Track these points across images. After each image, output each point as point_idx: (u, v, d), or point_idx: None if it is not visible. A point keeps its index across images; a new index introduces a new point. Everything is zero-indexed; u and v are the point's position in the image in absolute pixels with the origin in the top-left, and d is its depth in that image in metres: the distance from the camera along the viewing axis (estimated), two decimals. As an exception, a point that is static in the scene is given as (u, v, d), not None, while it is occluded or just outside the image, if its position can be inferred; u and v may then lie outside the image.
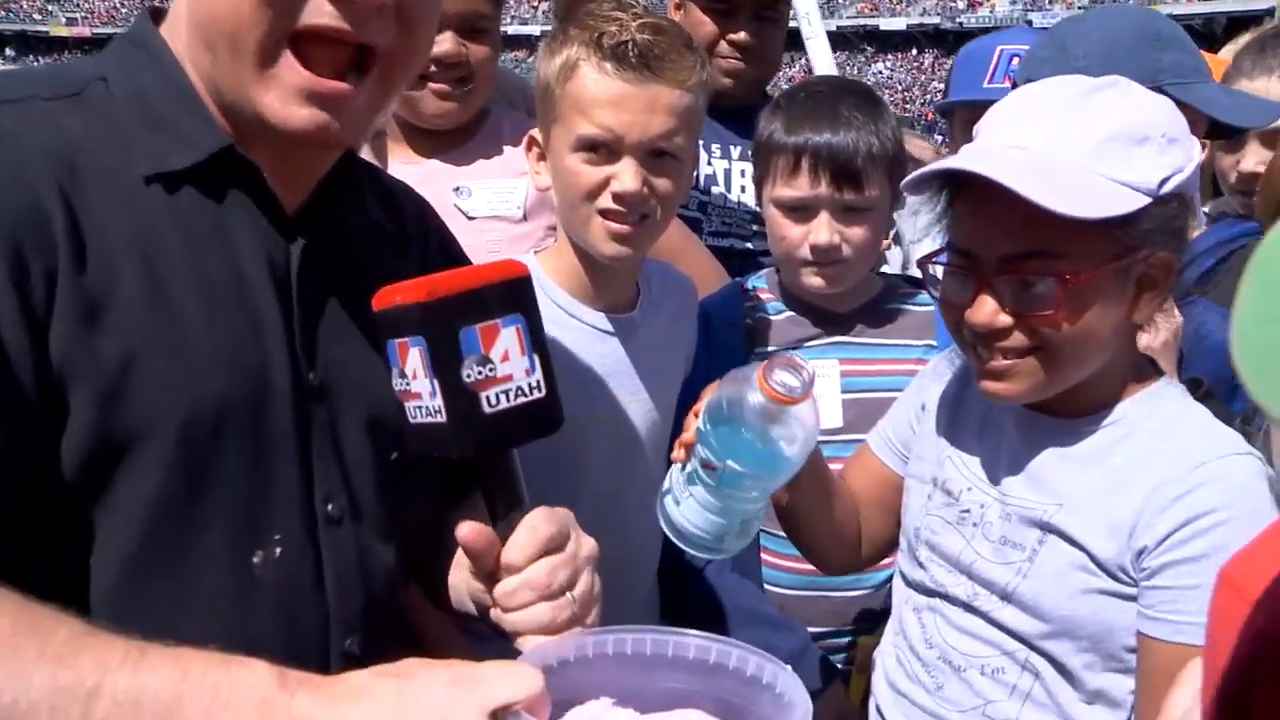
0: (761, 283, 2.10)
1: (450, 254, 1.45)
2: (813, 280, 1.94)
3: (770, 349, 2.01)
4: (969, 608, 1.48)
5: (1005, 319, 1.35)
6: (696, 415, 1.40)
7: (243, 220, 1.16)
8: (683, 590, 2.00)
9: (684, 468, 1.43)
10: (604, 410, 1.77)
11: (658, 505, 1.47)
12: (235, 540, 1.10)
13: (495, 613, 1.14)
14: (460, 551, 1.23)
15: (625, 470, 1.80)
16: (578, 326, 1.76)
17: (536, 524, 1.12)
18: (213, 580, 1.09)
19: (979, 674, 1.47)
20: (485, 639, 1.39)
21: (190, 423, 1.06)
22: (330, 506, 1.19)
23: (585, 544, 1.18)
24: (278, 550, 1.11)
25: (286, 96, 1.10)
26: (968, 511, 1.50)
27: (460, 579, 1.26)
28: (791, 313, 2.04)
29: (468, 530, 1.10)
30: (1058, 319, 1.33)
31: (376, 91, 1.16)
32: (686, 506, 1.41)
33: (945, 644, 1.51)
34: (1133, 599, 1.36)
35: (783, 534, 1.98)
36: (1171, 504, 1.33)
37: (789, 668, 1.06)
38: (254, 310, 1.14)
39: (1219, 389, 1.49)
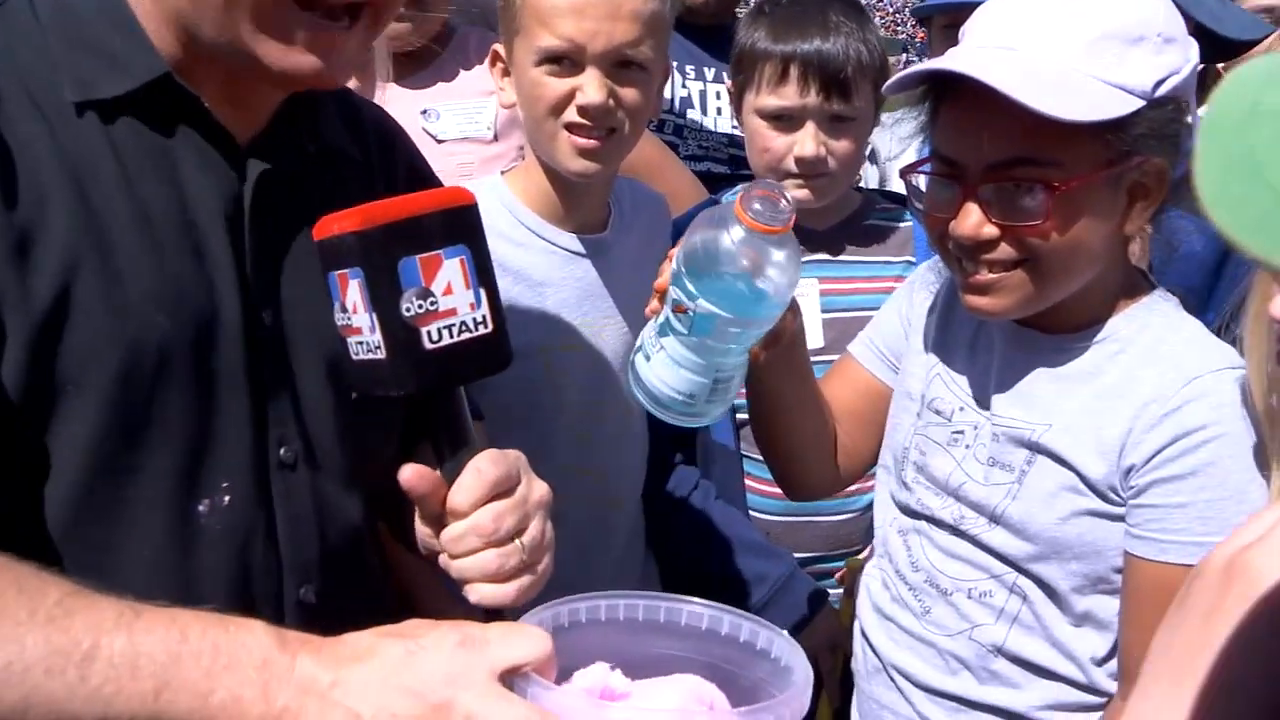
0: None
1: (420, 180, 1.37)
2: (796, 194, 1.86)
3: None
4: (956, 531, 1.44)
5: (991, 230, 1.28)
6: (671, 260, 1.31)
7: (189, 153, 1.09)
8: (668, 519, 1.96)
9: (657, 319, 1.34)
10: (578, 335, 1.70)
11: (628, 367, 1.38)
12: (178, 487, 1.05)
13: (442, 559, 1.08)
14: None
15: (603, 395, 1.75)
16: (548, 248, 1.69)
17: (483, 467, 1.05)
18: (153, 528, 1.04)
19: (966, 597, 1.43)
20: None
21: (127, 365, 1.00)
22: (283, 451, 1.13)
23: (536, 488, 1.11)
24: (226, 498, 1.06)
25: (289, 44, 1.05)
26: (960, 433, 1.45)
27: (421, 532, 1.18)
28: (769, 230, 1.97)
29: (410, 473, 1.04)
30: (1046, 229, 1.26)
31: (367, 34, 1.13)
32: (658, 362, 1.32)
33: (932, 567, 1.46)
34: (1122, 519, 1.32)
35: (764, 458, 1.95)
36: (1160, 421, 1.28)
37: (785, 633, 1.03)
38: (200, 247, 1.07)
39: (1191, 299, 1.42)
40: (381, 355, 1.00)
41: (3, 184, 0.96)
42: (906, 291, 1.63)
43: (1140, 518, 1.30)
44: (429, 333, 1.00)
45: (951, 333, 1.46)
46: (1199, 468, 1.26)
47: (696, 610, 1.06)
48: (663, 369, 1.32)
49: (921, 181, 1.38)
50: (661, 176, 2.01)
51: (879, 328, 1.66)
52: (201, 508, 1.06)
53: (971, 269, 1.33)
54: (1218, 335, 1.35)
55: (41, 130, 1.00)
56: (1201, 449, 1.26)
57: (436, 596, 1.68)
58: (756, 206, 1.20)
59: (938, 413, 1.49)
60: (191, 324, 1.05)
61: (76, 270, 0.98)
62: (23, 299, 0.96)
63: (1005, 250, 1.29)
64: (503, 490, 1.06)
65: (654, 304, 1.36)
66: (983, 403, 1.44)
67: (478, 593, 1.04)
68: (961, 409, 1.46)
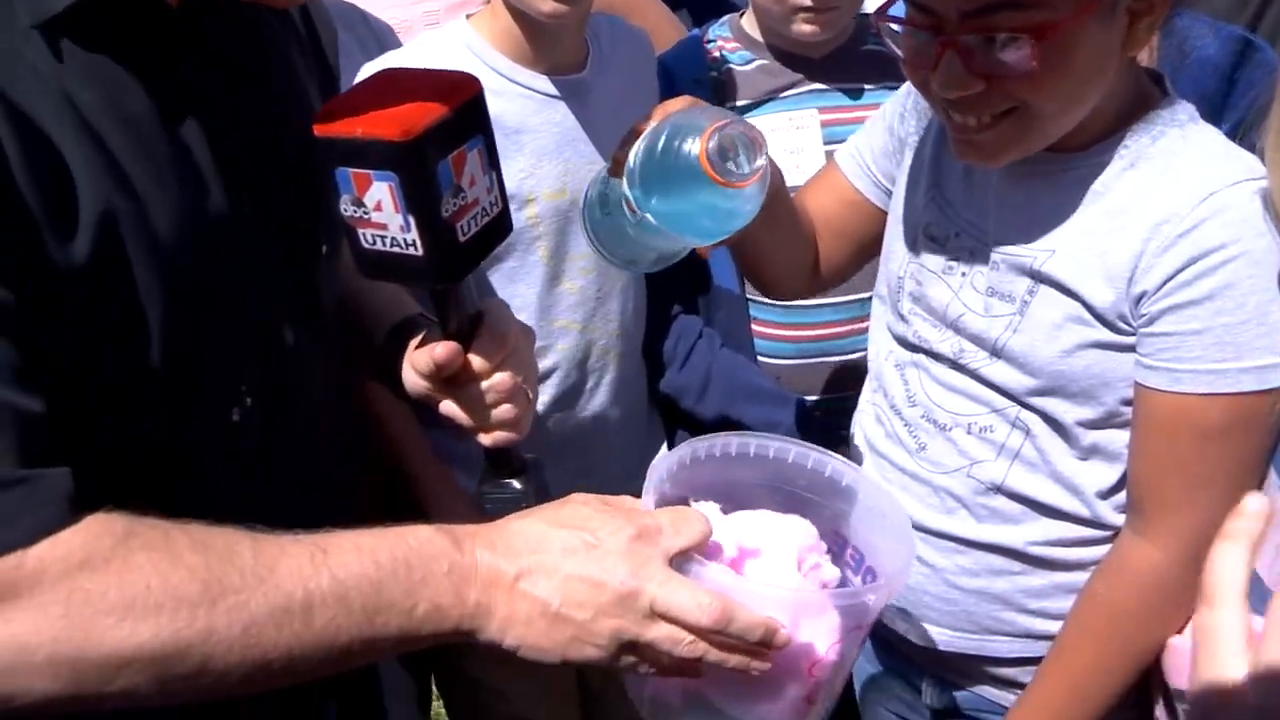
0: (724, 30, 1.89)
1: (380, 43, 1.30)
2: (805, 28, 1.75)
3: (742, 103, 1.83)
4: (955, 364, 1.35)
5: (975, 82, 1.15)
6: (639, 134, 1.19)
7: (136, 50, 0.97)
8: (671, 371, 1.90)
9: (613, 181, 1.24)
10: (558, 182, 1.61)
11: (583, 197, 1.32)
12: (215, 401, 1.02)
13: (452, 410, 1.15)
14: (411, 351, 1.18)
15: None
16: (522, 93, 1.58)
17: (496, 332, 1.14)
18: (204, 448, 1.02)
19: (965, 433, 1.35)
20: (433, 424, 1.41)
21: (170, 305, 0.94)
22: (289, 335, 1.10)
23: (527, 335, 1.20)
24: (249, 400, 1.05)
25: None
26: (956, 259, 1.35)
27: (412, 380, 1.19)
28: (762, 61, 1.84)
29: (443, 353, 1.10)
30: (1036, 79, 1.13)
31: None
32: (604, 223, 1.26)
33: (930, 402, 1.38)
34: (1131, 349, 1.23)
35: (770, 301, 1.87)
36: (1175, 242, 1.17)
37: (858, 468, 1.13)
38: (181, 145, 0.99)
39: (1204, 107, 1.29)
40: (417, 252, 1.03)
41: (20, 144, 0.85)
42: (897, 105, 1.50)
43: (1152, 347, 1.20)
44: (461, 227, 1.04)
45: (948, 153, 1.34)
46: (1216, 291, 1.15)
47: (782, 446, 1.17)
48: (605, 231, 1.26)
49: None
50: (639, 13, 1.89)
51: (867, 139, 1.53)
52: (235, 416, 1.04)
53: (959, 118, 1.21)
54: (1234, 143, 1.23)
55: (13, 68, 0.88)
56: (1219, 270, 1.15)
57: (418, 446, 1.72)
58: (720, 160, 1.08)
59: (932, 239, 1.38)
60: (199, 232, 0.98)
61: (106, 200, 0.89)
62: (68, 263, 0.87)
63: (994, 101, 1.17)
64: (511, 348, 1.14)
65: (619, 152, 1.24)
66: (980, 228, 1.33)
67: (492, 438, 1.15)
68: (958, 234, 1.36)
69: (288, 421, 1.11)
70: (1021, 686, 1.41)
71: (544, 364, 1.72)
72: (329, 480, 1.20)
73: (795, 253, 1.53)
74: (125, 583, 0.80)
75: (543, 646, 0.92)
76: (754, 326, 1.93)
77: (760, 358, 1.92)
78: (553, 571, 0.91)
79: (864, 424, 1.52)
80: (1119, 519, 1.31)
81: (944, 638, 1.43)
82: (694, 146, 1.09)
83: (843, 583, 1.12)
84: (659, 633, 0.91)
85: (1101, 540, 1.33)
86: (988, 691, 1.46)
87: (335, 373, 1.25)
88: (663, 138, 1.13)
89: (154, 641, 0.79)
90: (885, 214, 1.51)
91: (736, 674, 0.96)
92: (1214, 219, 1.15)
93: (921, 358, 1.40)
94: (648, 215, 1.15)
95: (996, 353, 1.31)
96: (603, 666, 0.94)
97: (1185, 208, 1.17)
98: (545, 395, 1.74)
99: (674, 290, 1.88)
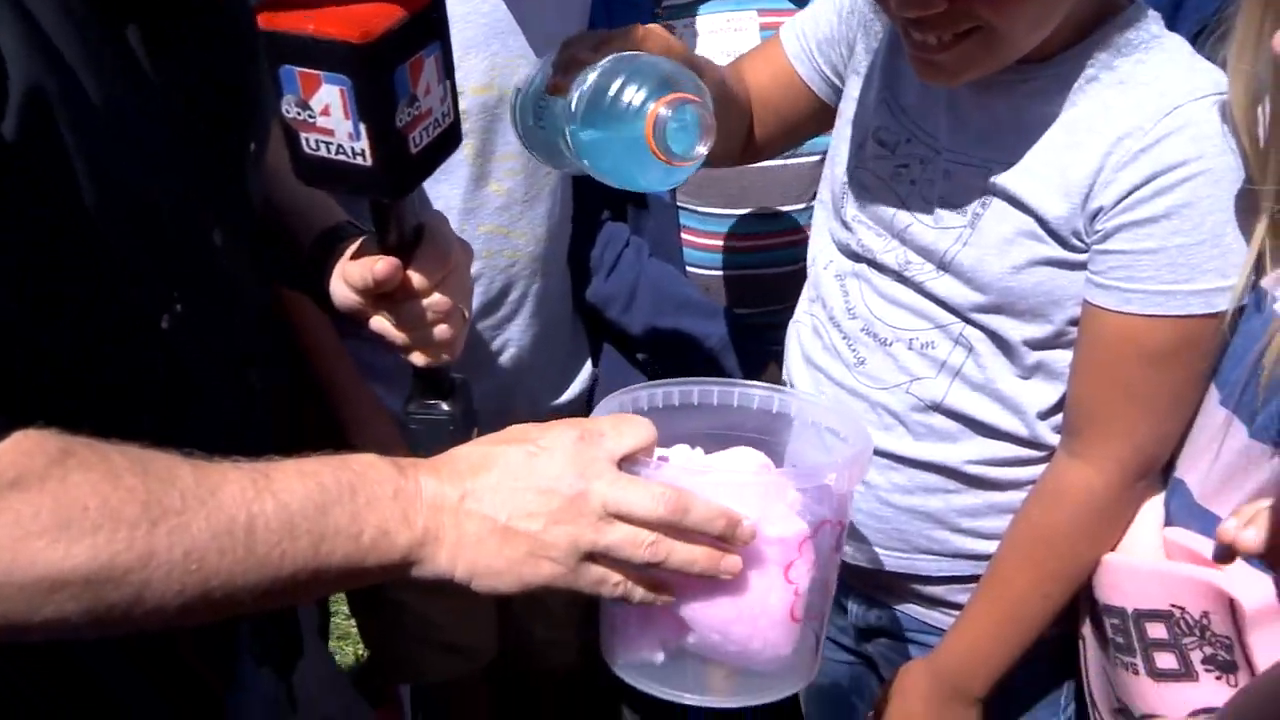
0: None
1: None
2: None
3: (681, 1, 1.74)
4: (900, 277, 1.30)
5: (938, 3, 1.09)
6: (577, 63, 1.10)
7: None
8: (597, 281, 1.84)
9: (546, 98, 1.16)
10: (484, 77, 1.52)
11: (513, 96, 1.24)
12: (144, 306, 0.95)
13: (383, 326, 1.12)
14: (344, 263, 1.12)
15: (518, 146, 1.57)
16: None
17: (437, 249, 1.10)
18: (133, 358, 0.94)
19: (906, 348, 1.31)
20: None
21: (104, 196, 0.86)
22: (217, 237, 1.03)
23: (466, 250, 1.17)
24: (178, 306, 0.98)
25: None
26: (905, 167, 1.29)
27: (342, 294, 1.14)
28: (703, -44, 1.75)
29: (383, 269, 1.06)
30: (1000, 1, 1.08)
31: None
32: (535, 134, 1.19)
33: (870, 315, 1.34)
34: (1083, 267, 1.19)
35: (703, 209, 1.80)
36: (1135, 157, 1.13)
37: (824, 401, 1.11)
38: (119, 41, 0.92)
39: (1161, 13, 1.24)
40: (366, 163, 0.98)
41: None
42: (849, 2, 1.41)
43: (1104, 264, 1.17)
44: (413, 139, 0.99)
45: (902, 52, 1.28)
46: (1174, 209, 1.12)
47: (747, 391, 1.13)
48: (539, 144, 1.20)
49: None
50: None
51: (814, 21, 1.45)
52: (165, 324, 0.96)
53: (918, 36, 1.14)
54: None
55: None
56: (1179, 188, 1.11)
57: (340, 360, 1.64)
58: (667, 138, 1.00)
59: (881, 144, 1.32)
60: (141, 136, 0.92)
61: (43, 96, 0.82)
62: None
63: (956, 19, 1.10)
64: (450, 265, 1.11)
65: (558, 80, 1.14)
66: (933, 134, 1.28)
67: (425, 358, 1.12)
68: (909, 141, 1.30)
69: (218, 329, 1.03)
70: (949, 605, 1.41)
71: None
72: (258, 395, 1.13)
73: (729, 123, 1.44)
74: (60, 503, 0.74)
75: (496, 568, 0.87)
76: (684, 235, 1.85)
77: (690, 268, 1.86)
78: (498, 486, 0.87)
79: (800, 336, 1.47)
80: (1057, 439, 1.29)
81: (874, 556, 1.40)
82: (641, 109, 1.02)
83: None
84: (616, 535, 0.87)
85: (1039, 460, 1.31)
86: (915, 610, 1.45)
87: (265, 278, 1.17)
88: (612, 88, 1.04)
89: (90, 564, 0.74)
90: (820, 100, 1.46)
91: (709, 590, 0.93)
92: (1178, 134, 1.11)
93: (864, 268, 1.35)
94: (582, 160, 1.09)
95: (944, 266, 1.26)
96: (566, 588, 0.88)
97: (1149, 121, 1.12)
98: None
99: (602, 195, 1.80)
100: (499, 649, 2.01)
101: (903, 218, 1.29)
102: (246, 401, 1.09)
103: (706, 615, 0.95)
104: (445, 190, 1.59)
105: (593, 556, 0.88)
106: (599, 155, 1.07)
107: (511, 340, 1.73)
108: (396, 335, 1.11)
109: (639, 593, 0.90)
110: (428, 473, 0.87)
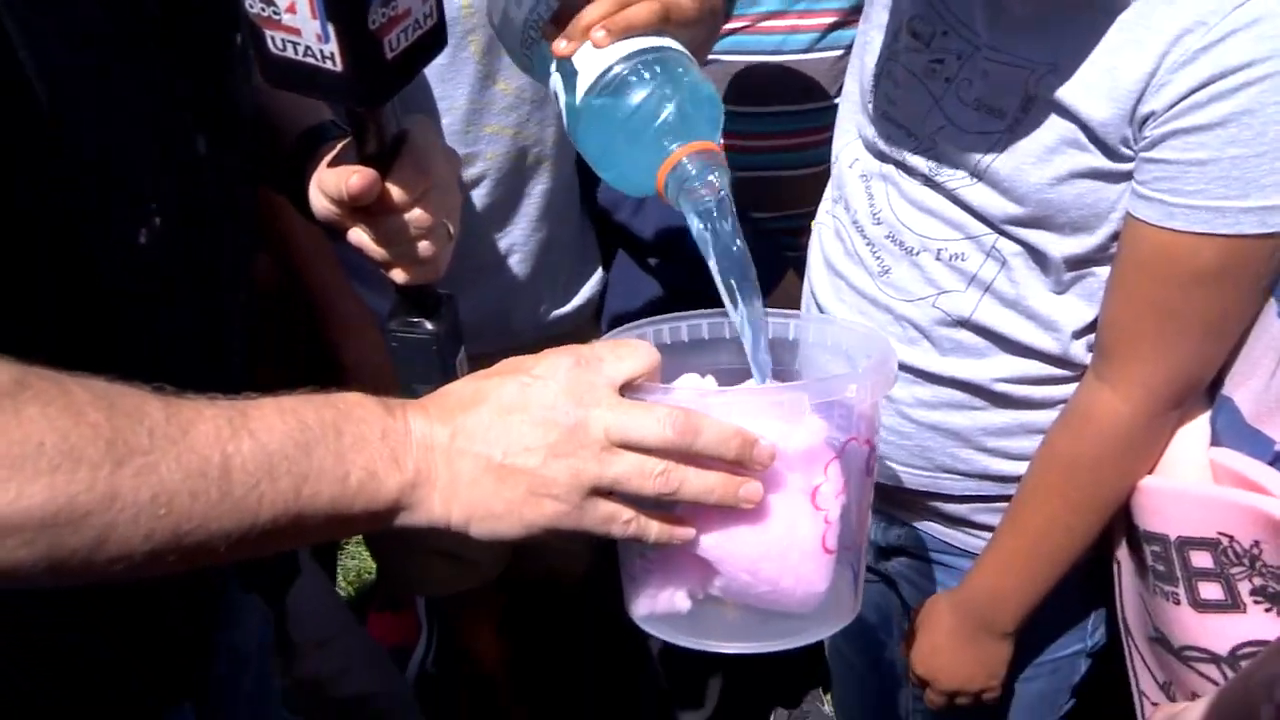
0: None
1: None
2: None
3: None
4: (929, 181, 1.22)
5: None
6: (582, 30, 0.97)
7: None
8: (623, 224, 1.76)
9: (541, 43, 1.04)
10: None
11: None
12: (119, 221, 0.88)
13: (361, 240, 1.04)
14: (321, 170, 1.04)
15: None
16: None
17: (418, 160, 1.01)
18: (106, 279, 0.87)
19: (934, 259, 1.23)
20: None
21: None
22: (201, 144, 0.96)
23: (452, 160, 1.07)
24: (157, 220, 0.91)
25: None
26: (940, 62, 1.19)
27: (320, 203, 1.06)
28: None
29: (358, 182, 0.97)
30: None
31: None
32: (514, 51, 1.07)
33: (896, 221, 1.26)
34: (1129, 178, 1.10)
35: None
36: (1194, 57, 1.03)
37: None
38: None
39: None
40: (335, 68, 0.89)
41: None
42: None
43: (1149, 174, 1.08)
44: (389, 42, 0.89)
45: None
46: (1232, 116, 1.02)
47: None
48: (519, 60, 1.07)
49: None
50: None
51: None
52: (142, 239, 0.89)
53: None
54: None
55: None
56: (1240, 93, 1.01)
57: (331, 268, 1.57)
58: (680, 198, 0.91)
59: (915, 35, 1.22)
60: (112, 33, 0.84)
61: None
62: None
63: None
64: (433, 177, 1.02)
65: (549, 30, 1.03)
66: (972, 28, 1.17)
67: (406, 276, 1.04)
68: (945, 33, 1.19)
69: (201, 247, 0.96)
70: (973, 525, 1.35)
71: (470, 173, 1.57)
72: (243, 318, 1.06)
73: None
74: (14, 439, 0.66)
75: (495, 510, 0.79)
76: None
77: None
78: (490, 423, 0.79)
79: (822, 238, 1.39)
80: (1090, 359, 1.21)
81: (896, 472, 1.35)
82: (659, 143, 0.91)
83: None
84: (622, 465, 0.79)
85: (1072, 379, 1.24)
86: (936, 529, 1.40)
87: (253, 189, 1.10)
88: (633, 98, 0.93)
89: (47, 505, 0.67)
90: None
91: (731, 523, 0.85)
92: (1245, 31, 1.01)
93: (891, 170, 1.27)
94: (571, 133, 0.99)
95: (978, 174, 1.17)
96: (575, 530, 0.81)
97: (1214, 16, 1.02)
98: (472, 209, 1.59)
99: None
100: (510, 559, 1.96)
101: (935, 118, 1.20)
102: (230, 324, 1.03)
103: (731, 553, 0.87)
104: (450, 91, 1.51)
105: (599, 491, 0.80)
106: (593, 141, 0.97)
107: (516, 245, 1.66)
108: (375, 250, 1.03)
109: (654, 530, 0.83)
110: (416, 412, 0.80)
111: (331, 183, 0.99)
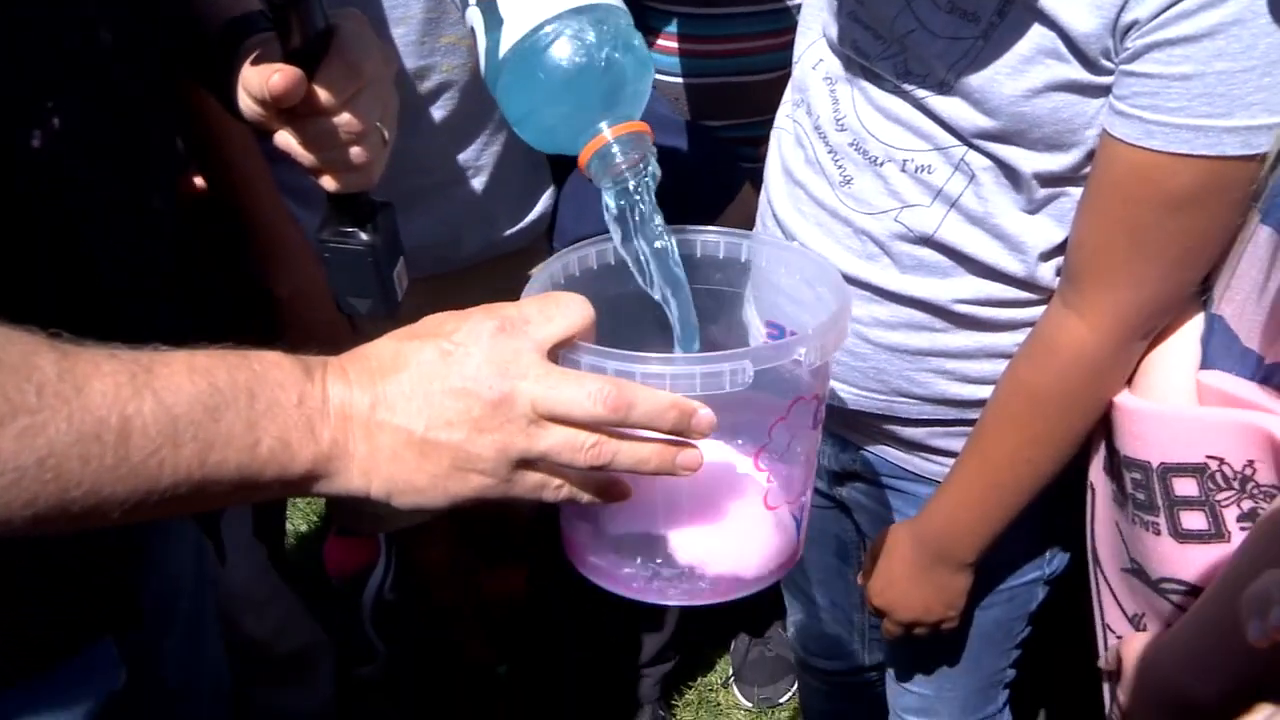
0: None
1: None
2: None
3: None
4: (897, 89, 1.14)
5: None
6: None
7: None
8: None
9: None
10: None
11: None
12: (7, 121, 0.80)
13: (289, 144, 0.95)
14: (246, 68, 0.95)
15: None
16: None
17: (349, 58, 0.92)
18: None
19: (899, 170, 1.16)
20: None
21: None
22: (105, 34, 0.87)
23: (387, 59, 0.98)
24: (55, 120, 0.83)
25: None
26: None
27: (244, 102, 0.97)
28: None
29: (280, 82, 0.88)
30: None
31: None
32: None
33: (861, 128, 1.17)
34: (1109, 92, 1.03)
35: (673, 8, 1.63)
36: None
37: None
38: None
39: None
40: None
41: None
42: None
43: (1128, 88, 1.00)
44: None
45: None
46: (1221, 26, 0.94)
47: (709, 239, 0.98)
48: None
49: None
50: None
51: None
52: (35, 143, 0.82)
53: None
54: None
55: None
56: (1231, 1, 0.93)
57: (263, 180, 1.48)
58: (601, 176, 0.86)
59: None
60: None
61: None
62: None
63: None
64: (365, 74, 0.94)
65: None
66: None
67: (337, 183, 0.97)
68: None
69: (109, 148, 0.88)
70: (929, 450, 1.30)
71: (426, 86, 1.47)
72: (162, 225, 0.98)
73: None
74: None
75: (418, 484, 0.74)
76: (652, 39, 1.66)
77: (658, 75, 1.67)
78: (411, 393, 0.74)
79: (781, 144, 1.31)
80: (1055, 282, 1.15)
81: (849, 395, 1.29)
82: (587, 116, 0.85)
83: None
84: (551, 439, 0.74)
85: (1037, 303, 1.19)
86: (891, 453, 1.35)
87: (171, 88, 1.02)
88: (560, 55, 0.84)
89: None
90: None
91: (669, 488, 0.80)
92: None
93: (857, 75, 1.18)
94: (491, 87, 0.89)
95: (948, 84, 1.10)
96: (503, 498, 0.76)
97: None
98: (428, 124, 1.49)
99: None
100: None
101: (905, 20, 1.11)
102: (148, 233, 0.95)
103: (670, 515, 0.84)
104: None
105: (527, 463, 0.75)
106: (515, 99, 0.88)
107: (471, 161, 1.57)
108: (303, 155, 0.95)
109: (586, 495, 0.79)
110: (335, 375, 0.74)
111: (254, 81, 0.91)
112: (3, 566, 0.88)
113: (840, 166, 1.20)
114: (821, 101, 1.22)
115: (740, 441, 0.84)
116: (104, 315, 0.80)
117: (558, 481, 0.77)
